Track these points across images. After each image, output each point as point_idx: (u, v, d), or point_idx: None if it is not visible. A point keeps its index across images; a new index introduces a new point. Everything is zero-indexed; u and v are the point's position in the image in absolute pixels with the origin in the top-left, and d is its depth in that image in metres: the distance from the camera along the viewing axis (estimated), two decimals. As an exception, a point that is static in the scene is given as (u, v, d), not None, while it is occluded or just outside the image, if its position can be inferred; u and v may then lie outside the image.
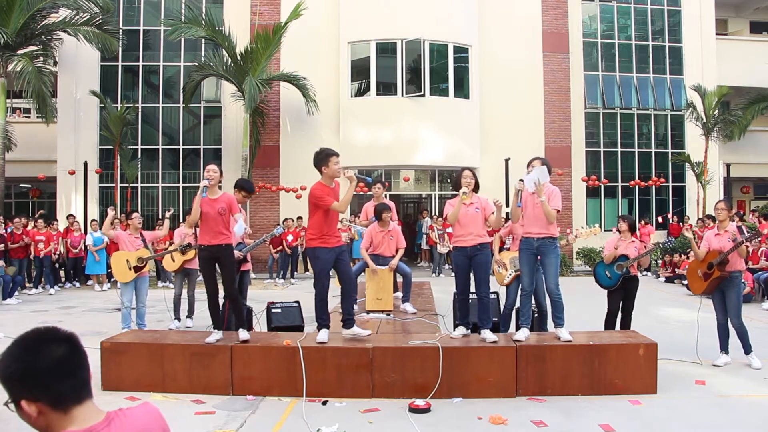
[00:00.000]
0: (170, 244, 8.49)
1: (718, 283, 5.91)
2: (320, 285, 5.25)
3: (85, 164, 15.22)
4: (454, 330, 5.60)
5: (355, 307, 5.83)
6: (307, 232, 5.44)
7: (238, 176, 13.00)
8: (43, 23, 15.29)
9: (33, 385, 1.31)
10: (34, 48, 15.35)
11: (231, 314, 6.56)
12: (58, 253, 12.71)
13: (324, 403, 4.84)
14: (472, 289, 5.50)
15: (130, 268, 7.32)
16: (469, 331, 5.51)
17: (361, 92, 16.36)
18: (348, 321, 5.32)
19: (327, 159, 5.20)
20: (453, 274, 5.74)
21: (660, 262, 14.69)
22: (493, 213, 5.43)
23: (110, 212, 8.30)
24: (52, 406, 1.33)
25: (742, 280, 6.44)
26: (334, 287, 5.60)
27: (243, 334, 5.28)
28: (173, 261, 8.12)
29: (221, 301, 5.80)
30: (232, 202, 5.51)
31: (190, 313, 8.25)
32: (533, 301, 6.13)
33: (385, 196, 7.71)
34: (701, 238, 6.72)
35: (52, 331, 1.39)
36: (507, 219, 12.28)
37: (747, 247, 5.94)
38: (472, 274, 5.42)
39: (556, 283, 5.35)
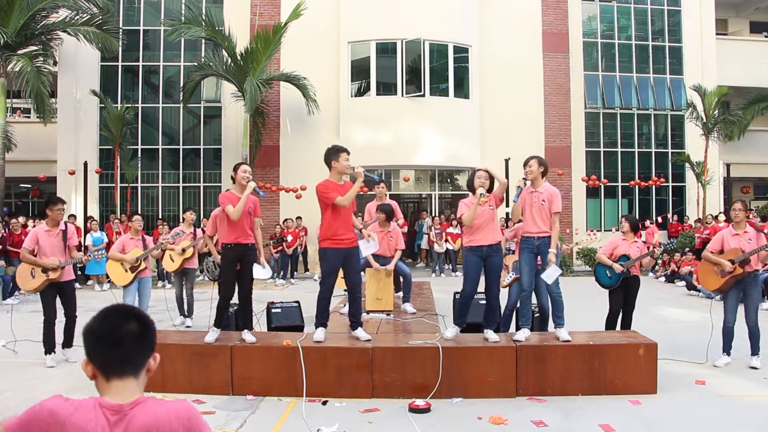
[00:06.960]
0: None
1: (734, 281, 5.88)
2: (324, 285, 5.28)
3: (85, 164, 15.21)
4: (446, 330, 5.55)
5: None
6: (319, 231, 5.49)
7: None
8: (43, 23, 15.27)
9: (89, 346, 1.47)
10: (34, 48, 15.33)
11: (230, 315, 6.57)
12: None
13: (324, 403, 4.83)
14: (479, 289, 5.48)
15: (126, 270, 7.29)
16: (460, 329, 5.47)
17: (361, 92, 16.36)
18: (353, 324, 5.38)
19: (337, 154, 5.20)
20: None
21: (660, 262, 14.67)
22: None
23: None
24: (100, 371, 1.46)
25: None
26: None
27: (250, 336, 5.29)
28: (172, 261, 8.10)
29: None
30: (256, 203, 5.58)
31: (189, 313, 8.24)
32: (535, 302, 6.12)
33: (386, 196, 7.72)
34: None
35: (129, 308, 1.53)
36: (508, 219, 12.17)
37: None
38: (483, 277, 5.38)
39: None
